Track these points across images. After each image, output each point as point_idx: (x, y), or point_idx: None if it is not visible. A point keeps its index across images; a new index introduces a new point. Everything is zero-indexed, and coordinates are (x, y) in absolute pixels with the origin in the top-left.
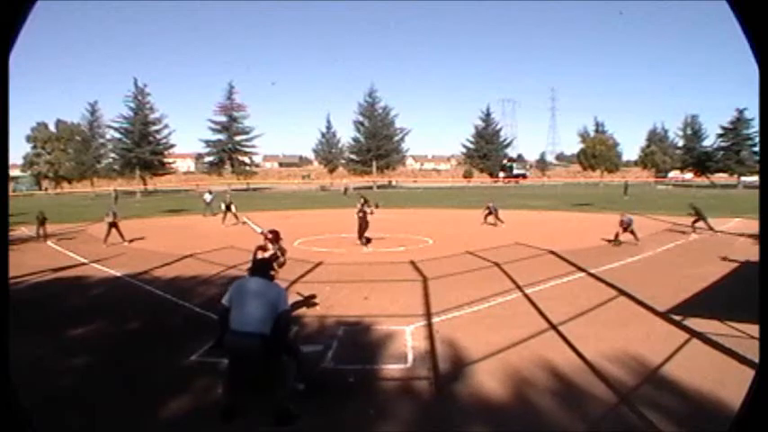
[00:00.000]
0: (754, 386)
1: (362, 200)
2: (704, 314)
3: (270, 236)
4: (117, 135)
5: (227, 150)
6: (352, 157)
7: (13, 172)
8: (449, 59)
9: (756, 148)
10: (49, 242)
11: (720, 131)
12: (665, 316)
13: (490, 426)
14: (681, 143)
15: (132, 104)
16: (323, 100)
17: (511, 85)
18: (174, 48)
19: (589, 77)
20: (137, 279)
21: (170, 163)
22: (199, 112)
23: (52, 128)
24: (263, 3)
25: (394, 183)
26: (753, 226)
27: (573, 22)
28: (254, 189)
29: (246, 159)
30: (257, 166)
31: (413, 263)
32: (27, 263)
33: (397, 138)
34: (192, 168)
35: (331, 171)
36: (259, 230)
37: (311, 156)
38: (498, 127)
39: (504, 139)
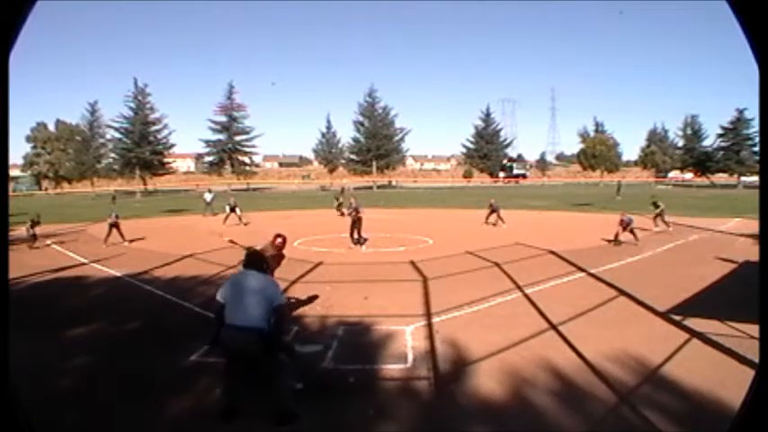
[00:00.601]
0: (754, 386)
1: (352, 199)
2: (704, 314)
3: (279, 241)
4: (117, 135)
5: (227, 150)
6: (352, 157)
7: (13, 172)
8: (449, 59)
9: (756, 148)
10: (48, 241)
11: (720, 131)
12: (665, 316)
13: (490, 426)
14: (681, 143)
15: (132, 104)
16: (323, 100)
17: (511, 85)
18: (174, 48)
19: (589, 77)
20: (137, 279)
21: (170, 163)
22: (199, 112)
23: (52, 128)
24: (263, 3)
25: (394, 183)
26: (753, 226)
27: (573, 22)
28: (254, 189)
29: (246, 159)
30: (257, 166)
31: (413, 263)
32: (27, 263)
33: (397, 138)
34: (192, 168)
35: (331, 171)
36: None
37: (311, 156)
38: (498, 127)
39: (504, 139)
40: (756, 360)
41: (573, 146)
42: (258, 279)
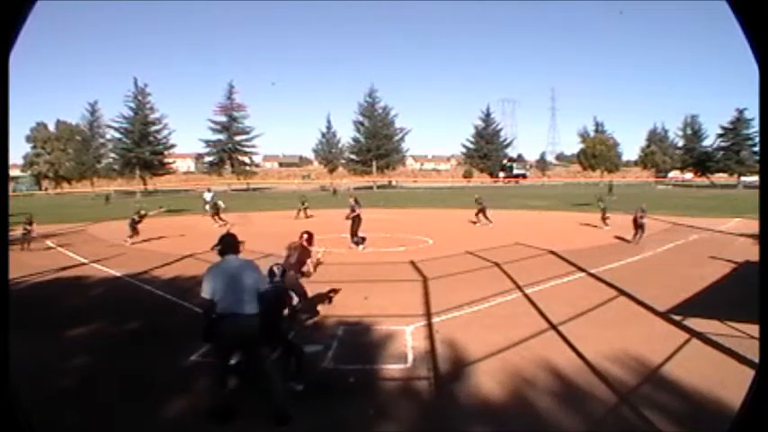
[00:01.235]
0: (754, 386)
1: (353, 200)
2: (704, 314)
3: (306, 237)
4: (117, 135)
5: (227, 150)
6: (352, 157)
7: (13, 172)
8: (449, 59)
9: (756, 148)
10: (48, 241)
11: (720, 131)
12: (665, 316)
13: (490, 426)
14: (681, 143)
15: (132, 104)
16: (323, 100)
17: (511, 85)
18: (174, 48)
19: (589, 77)
20: (137, 279)
21: (170, 163)
22: (199, 112)
23: (52, 128)
24: (263, 3)
25: (394, 183)
26: (753, 226)
27: (573, 22)
28: (254, 189)
29: (246, 159)
30: (257, 166)
31: (413, 263)
32: (27, 263)
33: (396, 138)
34: (192, 168)
35: (331, 171)
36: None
37: (311, 156)
38: (498, 127)
39: (504, 139)
40: (756, 360)
41: (573, 146)
42: (241, 264)
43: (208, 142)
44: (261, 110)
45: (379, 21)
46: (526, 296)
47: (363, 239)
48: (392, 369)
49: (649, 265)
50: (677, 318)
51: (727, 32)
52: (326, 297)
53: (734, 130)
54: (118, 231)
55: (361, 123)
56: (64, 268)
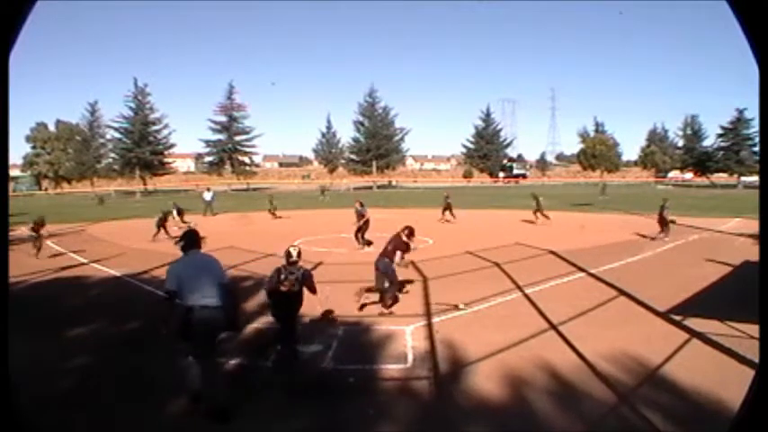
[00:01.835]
0: (754, 386)
1: (359, 204)
2: (704, 314)
3: (407, 231)
4: (117, 135)
5: (227, 150)
6: (352, 157)
7: (13, 172)
8: (449, 59)
9: (756, 148)
10: (48, 241)
11: (720, 131)
12: (665, 316)
13: (490, 426)
14: (681, 143)
15: (132, 104)
16: (323, 100)
17: (511, 85)
18: (174, 48)
19: (589, 77)
20: (137, 279)
21: (170, 163)
22: (199, 112)
23: (52, 128)
24: (263, 3)
25: (394, 183)
26: (753, 226)
27: (573, 21)
28: (254, 189)
29: (246, 159)
30: (257, 166)
31: (413, 263)
32: (27, 263)
33: (396, 138)
34: (192, 168)
35: (331, 171)
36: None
37: (311, 156)
38: (498, 127)
39: (504, 139)
40: (756, 360)
41: (573, 146)
42: (205, 258)
43: (208, 142)
44: (261, 110)
45: (379, 21)
46: (526, 296)
47: (370, 243)
48: (392, 369)
49: (649, 265)
50: (677, 318)
51: (727, 32)
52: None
53: (734, 130)
54: (117, 232)
55: (361, 123)
56: (64, 268)
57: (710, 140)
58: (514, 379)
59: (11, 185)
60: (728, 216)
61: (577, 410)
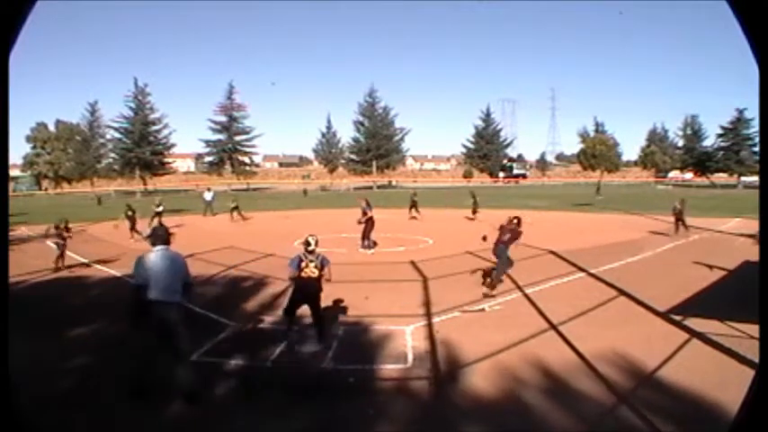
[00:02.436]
0: (754, 386)
1: (364, 202)
2: (704, 314)
3: (516, 220)
4: (117, 135)
5: (227, 150)
6: (352, 157)
7: (13, 172)
8: (449, 59)
9: (756, 148)
10: (48, 242)
11: (720, 131)
12: (665, 316)
13: (490, 426)
14: (681, 143)
15: (132, 104)
16: (323, 100)
17: (511, 85)
18: (174, 48)
19: (589, 77)
20: None
21: (170, 163)
22: (199, 112)
23: (52, 128)
24: (263, 3)
25: (394, 183)
26: (753, 226)
27: (573, 21)
28: (254, 189)
29: (246, 159)
30: (257, 166)
31: (413, 263)
32: (27, 263)
33: (397, 138)
34: (192, 168)
35: (331, 171)
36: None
37: (311, 156)
38: (498, 127)
39: (504, 139)
40: (756, 360)
41: (573, 146)
42: (172, 256)
43: (208, 142)
44: (261, 110)
45: (379, 21)
46: (526, 296)
47: (375, 244)
48: (392, 369)
49: (649, 265)
50: (677, 318)
51: (727, 32)
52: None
53: (734, 130)
54: (117, 232)
55: (361, 123)
56: (64, 268)
57: (710, 140)
58: (514, 379)
59: (11, 185)
60: (728, 216)
61: (577, 410)
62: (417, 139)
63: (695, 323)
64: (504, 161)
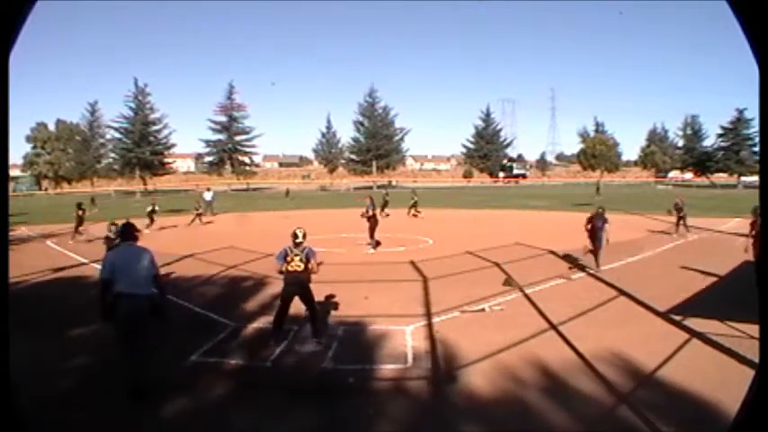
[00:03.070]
0: (754, 386)
1: (369, 199)
2: (704, 314)
3: (601, 210)
4: (117, 135)
5: (227, 150)
6: (353, 157)
7: (13, 172)
8: (449, 59)
9: (756, 148)
10: (48, 242)
11: (720, 131)
12: (665, 316)
13: (490, 426)
14: (681, 143)
15: (132, 104)
16: (323, 100)
17: (511, 85)
18: (174, 48)
19: (589, 77)
20: None
21: (170, 163)
22: (199, 112)
23: (52, 128)
24: (263, 3)
25: (394, 183)
26: None
27: (572, 21)
28: (254, 189)
29: (246, 159)
30: (257, 166)
31: (413, 263)
32: (27, 263)
33: (396, 138)
34: (192, 168)
35: (331, 171)
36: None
37: (311, 156)
38: (498, 127)
39: (504, 139)
40: (756, 360)
41: (573, 146)
42: (137, 250)
43: (208, 142)
44: (261, 110)
45: (379, 21)
46: (526, 296)
47: (378, 243)
48: (392, 369)
49: (649, 264)
50: (677, 318)
51: (727, 32)
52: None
53: (734, 130)
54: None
55: (361, 123)
56: (64, 268)
57: (710, 140)
58: (514, 379)
59: (11, 185)
60: (728, 216)
61: (577, 410)
62: (417, 139)
63: (695, 323)
64: (504, 161)
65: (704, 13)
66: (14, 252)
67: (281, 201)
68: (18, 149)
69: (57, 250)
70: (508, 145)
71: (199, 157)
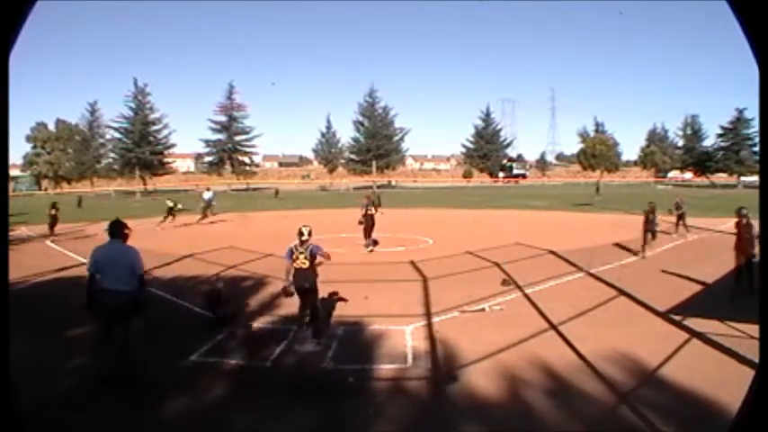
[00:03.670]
0: (754, 386)
1: (366, 199)
2: (704, 314)
3: (651, 207)
4: (117, 135)
5: (227, 150)
6: (352, 156)
7: (13, 172)
8: (449, 59)
9: (756, 148)
10: (48, 242)
11: (720, 131)
12: (665, 316)
13: (489, 426)
14: (681, 143)
15: (132, 104)
16: (323, 100)
17: (511, 85)
18: (174, 48)
19: (589, 77)
20: None
21: (170, 163)
22: (199, 112)
23: (52, 128)
24: (263, 3)
25: (394, 183)
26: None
27: (572, 21)
28: (254, 189)
29: (246, 159)
30: (257, 166)
31: (413, 263)
32: (27, 263)
33: (396, 138)
34: (192, 168)
35: (331, 171)
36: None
37: (311, 156)
38: (498, 127)
39: (504, 139)
40: (756, 360)
41: (573, 146)
42: (123, 248)
43: (208, 142)
44: (261, 110)
45: (379, 21)
46: (526, 296)
47: (376, 242)
48: (392, 369)
49: (649, 264)
50: (677, 318)
51: (727, 32)
52: None
53: (734, 130)
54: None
55: (361, 123)
56: (64, 268)
57: (710, 140)
58: (514, 379)
59: (11, 185)
60: (728, 216)
61: (577, 410)
62: (417, 139)
63: (695, 323)
64: (504, 161)
65: (704, 13)
66: (14, 252)
67: (276, 201)
68: (18, 149)
69: (57, 250)
70: (508, 145)
71: (199, 157)
